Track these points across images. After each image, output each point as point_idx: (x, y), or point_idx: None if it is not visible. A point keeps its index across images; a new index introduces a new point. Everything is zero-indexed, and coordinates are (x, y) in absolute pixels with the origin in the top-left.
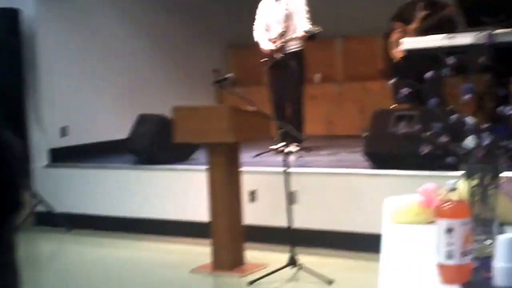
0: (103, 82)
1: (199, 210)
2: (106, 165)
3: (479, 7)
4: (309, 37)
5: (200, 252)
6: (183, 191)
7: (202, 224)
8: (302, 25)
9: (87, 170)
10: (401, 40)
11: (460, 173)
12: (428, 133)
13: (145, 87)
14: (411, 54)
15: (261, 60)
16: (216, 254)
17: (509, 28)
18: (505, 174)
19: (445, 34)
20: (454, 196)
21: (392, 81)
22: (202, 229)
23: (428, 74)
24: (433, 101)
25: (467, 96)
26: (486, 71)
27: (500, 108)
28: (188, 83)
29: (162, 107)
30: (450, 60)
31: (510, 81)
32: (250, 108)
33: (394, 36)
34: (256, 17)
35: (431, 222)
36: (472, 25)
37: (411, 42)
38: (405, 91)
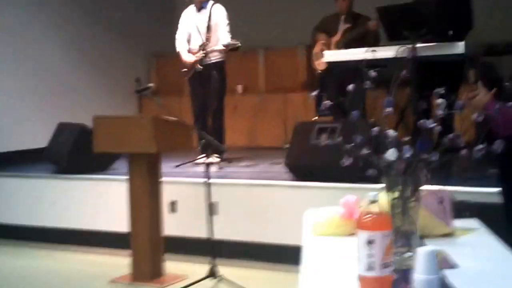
0: (24, 89)
1: (118, 221)
2: (23, 174)
3: (401, 22)
4: (231, 49)
5: (119, 263)
6: (102, 201)
7: (122, 235)
8: (223, 38)
9: (3, 178)
10: (323, 52)
11: (381, 185)
12: (350, 146)
13: (67, 94)
14: (334, 66)
15: (182, 70)
16: (135, 265)
17: (430, 43)
18: (425, 187)
19: (367, 48)
20: (375, 209)
21: (314, 93)
22: (122, 240)
23: (350, 87)
24: (355, 114)
25: (388, 110)
26: (407, 84)
27: (421, 122)
28: (110, 92)
29: (84, 115)
30: (372, 73)
31: (430, 95)
32: (171, 118)
33: (317, 48)
34: (179, 26)
35: (352, 234)
36: (394, 39)
37: (333, 54)
38: (327, 103)
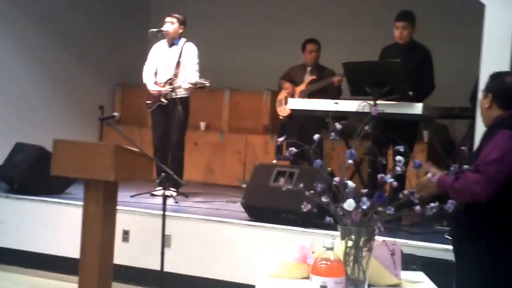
0: None
1: (69, 245)
2: None
3: (365, 78)
4: (198, 87)
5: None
6: (53, 224)
7: (71, 260)
8: (191, 76)
9: None
10: (288, 99)
11: (334, 233)
12: (310, 192)
13: (27, 115)
14: (296, 113)
15: (146, 102)
16: None
17: (391, 101)
18: (378, 238)
19: (329, 100)
20: (330, 255)
21: (281, 139)
22: (70, 265)
23: (316, 137)
24: (318, 162)
25: (350, 161)
26: (366, 138)
27: (380, 176)
28: (72, 116)
29: (43, 137)
30: (338, 126)
31: (387, 151)
32: (132, 148)
33: (281, 95)
34: (148, 58)
35: (305, 278)
36: (356, 94)
37: (297, 103)
38: (292, 150)
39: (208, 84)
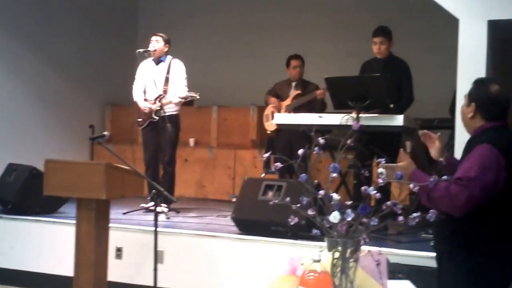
0: None
1: (62, 264)
2: None
3: (347, 92)
4: (186, 103)
5: None
6: (47, 243)
7: (65, 278)
8: (180, 91)
9: None
10: (274, 114)
11: (323, 244)
12: (297, 205)
13: (18, 135)
14: (282, 128)
15: (138, 120)
16: None
17: (372, 114)
18: (364, 248)
19: (314, 114)
20: (317, 267)
21: (266, 154)
22: (64, 283)
23: (300, 151)
24: (303, 176)
25: (334, 174)
26: (350, 151)
27: (364, 188)
28: (62, 136)
29: (34, 157)
30: (321, 141)
31: (371, 163)
32: (123, 166)
33: (268, 110)
34: (136, 77)
35: None
36: (339, 107)
37: (283, 117)
38: (278, 165)
39: (198, 97)
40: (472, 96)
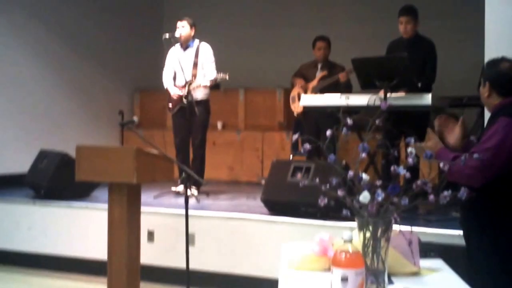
0: (7, 115)
1: (96, 248)
2: (2, 198)
3: (374, 73)
4: (213, 86)
5: None
6: (80, 228)
7: (99, 262)
8: (210, 73)
9: None
10: (301, 96)
11: (353, 224)
12: (326, 186)
13: (49, 122)
14: (309, 109)
15: (168, 106)
16: None
17: (400, 93)
18: (395, 228)
19: (341, 94)
20: (349, 247)
21: (295, 136)
22: (99, 267)
23: (328, 132)
24: (332, 157)
25: (363, 155)
26: (378, 131)
27: (393, 168)
28: (92, 122)
29: (65, 144)
30: (349, 121)
31: (399, 143)
32: (153, 150)
33: (294, 92)
34: (165, 64)
35: (326, 270)
36: (366, 87)
37: (309, 99)
38: (306, 146)
39: (227, 78)
40: (485, 76)
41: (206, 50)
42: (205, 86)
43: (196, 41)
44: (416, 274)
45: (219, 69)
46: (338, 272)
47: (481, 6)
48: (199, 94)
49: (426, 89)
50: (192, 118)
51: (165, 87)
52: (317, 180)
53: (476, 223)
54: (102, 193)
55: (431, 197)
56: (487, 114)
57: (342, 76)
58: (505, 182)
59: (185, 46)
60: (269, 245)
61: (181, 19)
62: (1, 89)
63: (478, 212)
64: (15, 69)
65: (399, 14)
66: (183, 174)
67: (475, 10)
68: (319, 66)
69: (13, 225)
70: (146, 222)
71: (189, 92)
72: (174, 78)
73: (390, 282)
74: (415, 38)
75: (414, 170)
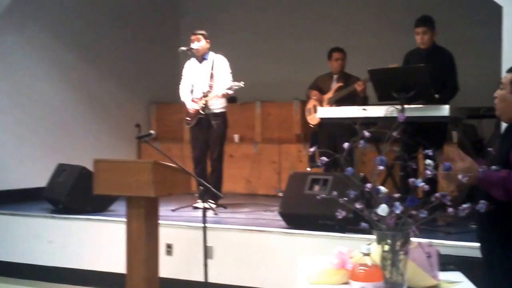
0: (25, 129)
1: (115, 261)
2: (21, 212)
3: (391, 84)
4: (230, 99)
5: None
6: (99, 241)
7: (118, 275)
8: (226, 83)
9: (2, 216)
10: (317, 108)
11: (371, 237)
12: (344, 199)
13: (67, 136)
14: (326, 121)
15: (186, 119)
16: None
17: (417, 105)
18: (413, 240)
19: (357, 106)
20: (367, 260)
21: (312, 149)
22: (117, 280)
23: (346, 145)
24: (350, 170)
25: (381, 167)
26: (395, 143)
27: (412, 180)
28: (109, 135)
29: (83, 157)
30: (366, 134)
31: (417, 155)
32: (171, 164)
33: (310, 104)
34: (182, 77)
35: (344, 283)
36: (383, 99)
37: (326, 111)
38: (324, 159)
39: (242, 85)
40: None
41: (221, 62)
42: (222, 95)
43: (211, 53)
44: (435, 287)
45: (235, 81)
46: (356, 286)
47: (499, 16)
48: (216, 105)
49: (443, 101)
50: (209, 131)
51: (182, 101)
52: (335, 192)
53: (498, 237)
54: (120, 207)
55: (450, 209)
56: (504, 125)
57: (358, 85)
58: None
59: (201, 58)
60: (287, 258)
61: (195, 33)
62: (19, 104)
63: (501, 226)
64: (33, 84)
65: (415, 25)
66: (201, 187)
67: (494, 21)
68: (335, 77)
69: (32, 239)
70: (165, 235)
71: (206, 104)
72: (192, 92)
73: None
74: (433, 48)
75: (432, 182)
